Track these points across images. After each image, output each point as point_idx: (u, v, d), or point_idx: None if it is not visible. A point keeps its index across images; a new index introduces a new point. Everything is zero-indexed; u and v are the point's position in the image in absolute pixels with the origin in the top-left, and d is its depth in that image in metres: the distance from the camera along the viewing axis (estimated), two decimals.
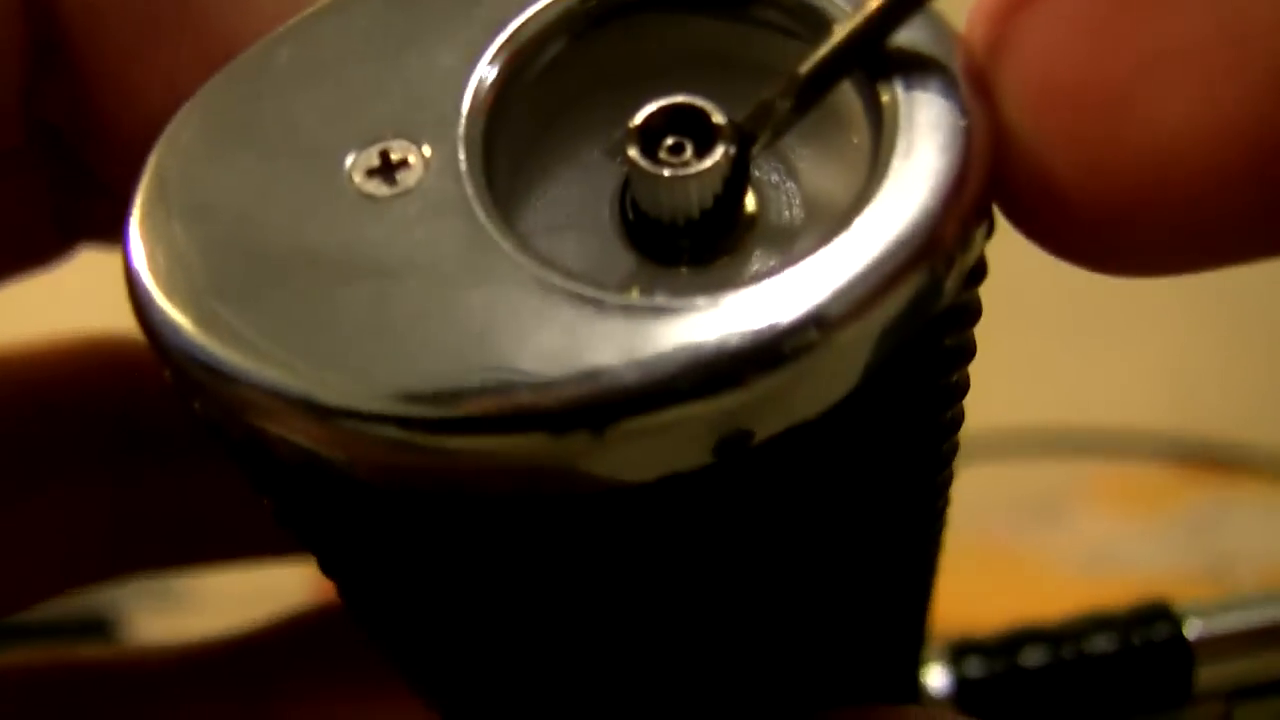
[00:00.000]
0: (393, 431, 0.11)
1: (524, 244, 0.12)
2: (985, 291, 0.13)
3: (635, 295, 0.12)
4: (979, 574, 0.47)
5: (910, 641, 0.20)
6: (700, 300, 0.12)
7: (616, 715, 0.17)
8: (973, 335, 0.14)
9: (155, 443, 0.21)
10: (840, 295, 0.11)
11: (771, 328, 0.11)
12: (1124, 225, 0.11)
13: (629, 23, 0.14)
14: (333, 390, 0.12)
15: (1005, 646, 0.22)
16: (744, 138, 0.13)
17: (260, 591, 0.26)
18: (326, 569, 0.16)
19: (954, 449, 0.16)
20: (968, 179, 0.12)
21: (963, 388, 0.15)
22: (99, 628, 0.40)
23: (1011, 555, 0.47)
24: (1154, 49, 0.10)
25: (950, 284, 0.12)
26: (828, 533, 0.15)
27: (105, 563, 0.22)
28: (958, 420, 0.15)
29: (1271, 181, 0.10)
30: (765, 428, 0.12)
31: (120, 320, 0.14)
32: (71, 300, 0.25)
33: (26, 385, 0.21)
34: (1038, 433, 0.47)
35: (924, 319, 0.12)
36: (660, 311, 0.12)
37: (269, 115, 0.13)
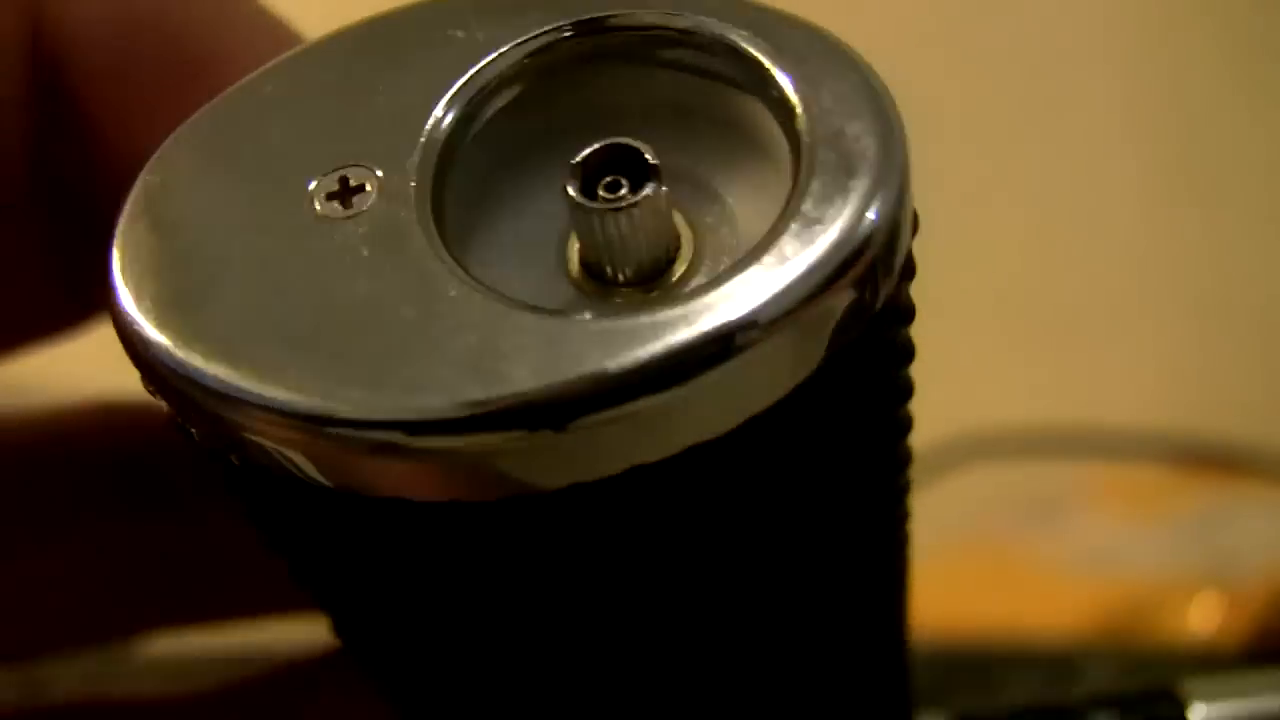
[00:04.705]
0: (354, 433, 0.12)
1: (461, 264, 0.13)
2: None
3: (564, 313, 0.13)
4: (979, 574, 0.47)
5: (889, 680, 0.20)
6: (640, 314, 0.13)
7: None
8: (909, 334, 0.15)
9: (162, 495, 0.21)
10: (775, 300, 0.12)
11: (714, 329, 0.12)
12: None
13: (588, 71, 0.15)
14: (306, 398, 0.12)
15: None
16: None
17: None
18: (314, 591, 0.16)
19: (907, 456, 0.17)
20: (888, 182, 0.13)
21: (907, 387, 0.16)
22: None
23: (1012, 555, 0.47)
24: None
25: (882, 285, 0.13)
26: (788, 529, 0.15)
27: (115, 615, 0.22)
28: (906, 423, 0.16)
29: None
30: (719, 423, 0.13)
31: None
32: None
33: (38, 443, 0.21)
34: (1038, 433, 0.46)
35: (859, 319, 0.13)
36: (586, 324, 0.13)
37: (247, 141, 0.15)
